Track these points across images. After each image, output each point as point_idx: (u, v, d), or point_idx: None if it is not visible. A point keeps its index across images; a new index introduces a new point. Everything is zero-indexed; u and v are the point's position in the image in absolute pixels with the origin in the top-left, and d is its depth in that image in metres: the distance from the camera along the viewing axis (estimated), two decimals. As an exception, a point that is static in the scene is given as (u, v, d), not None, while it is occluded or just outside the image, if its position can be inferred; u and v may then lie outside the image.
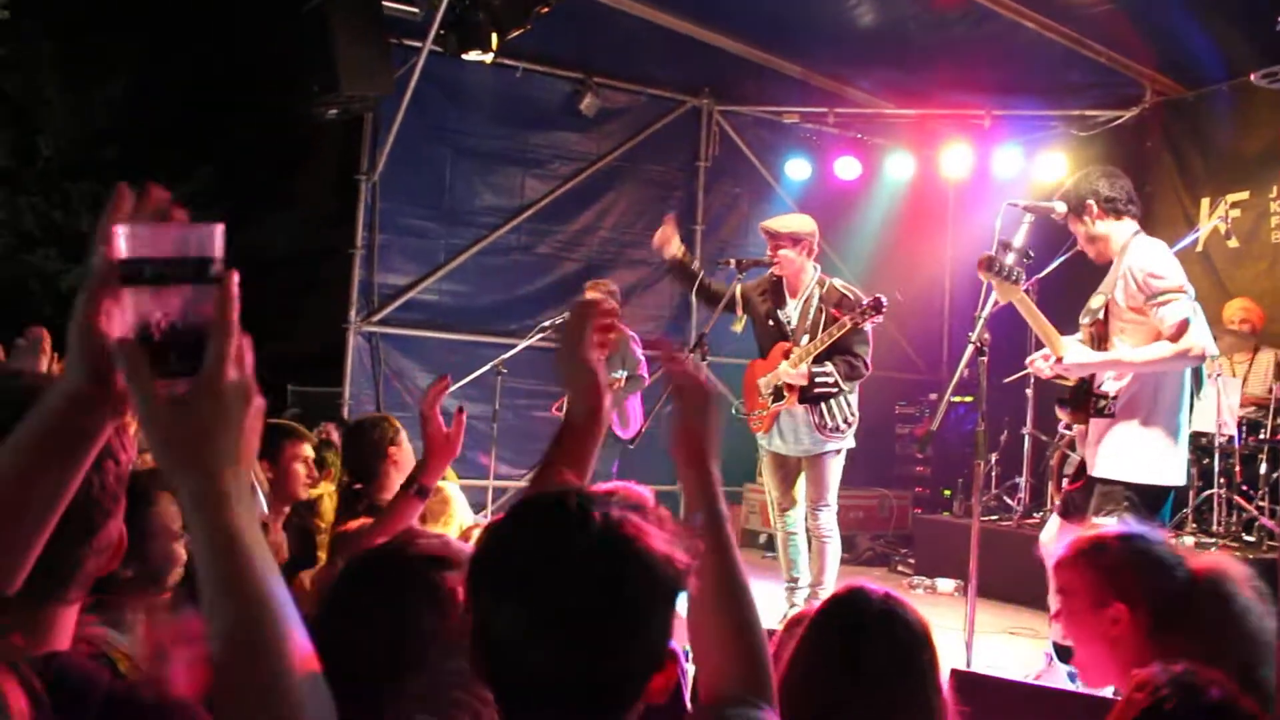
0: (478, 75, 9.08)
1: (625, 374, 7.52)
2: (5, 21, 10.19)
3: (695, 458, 1.74)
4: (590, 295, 7.57)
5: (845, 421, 5.81)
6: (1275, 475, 6.68)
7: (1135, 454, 4.24)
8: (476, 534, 3.83)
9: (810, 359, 5.66)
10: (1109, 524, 2.35)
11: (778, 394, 5.82)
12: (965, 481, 8.75)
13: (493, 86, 9.42)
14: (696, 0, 8.71)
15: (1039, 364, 4.52)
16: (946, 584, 7.63)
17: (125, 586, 2.11)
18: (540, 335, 8.10)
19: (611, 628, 1.18)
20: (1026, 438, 8.06)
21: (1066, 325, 5.08)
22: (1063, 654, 4.49)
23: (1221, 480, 6.53)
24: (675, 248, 6.11)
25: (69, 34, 16.25)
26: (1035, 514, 7.86)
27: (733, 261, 6.07)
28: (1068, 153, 8.99)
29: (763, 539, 9.43)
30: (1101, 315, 4.43)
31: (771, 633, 2.00)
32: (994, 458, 8.38)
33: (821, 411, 5.74)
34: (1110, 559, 2.25)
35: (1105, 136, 8.99)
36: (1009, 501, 8.24)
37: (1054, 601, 4.52)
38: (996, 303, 4.42)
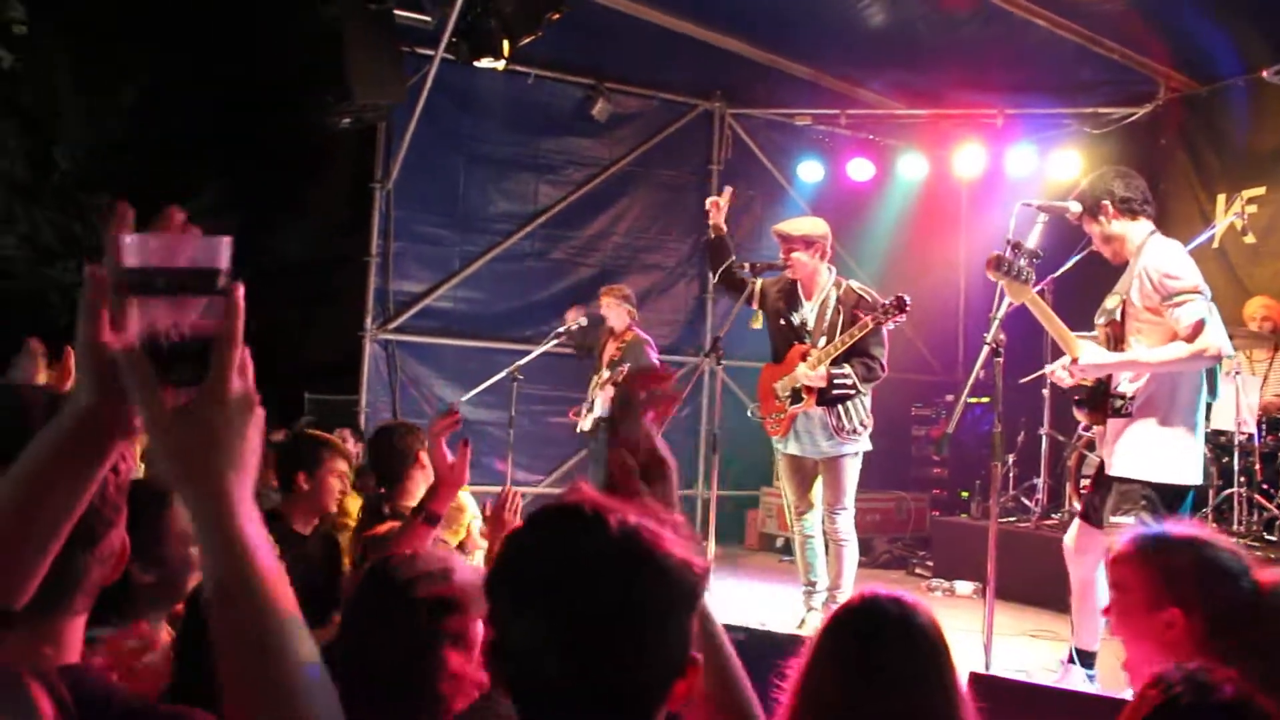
0: (490, 82, 9.11)
1: (611, 368, 7.51)
2: (21, 35, 10.27)
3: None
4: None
5: (861, 424, 5.80)
6: (1296, 473, 6.64)
7: (1154, 453, 4.24)
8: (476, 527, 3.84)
9: (829, 361, 5.65)
10: (1171, 524, 2.27)
11: (795, 396, 5.80)
12: (982, 483, 8.72)
13: (505, 93, 9.45)
14: (707, 4, 8.71)
15: (1059, 374, 4.52)
16: (965, 586, 7.60)
17: (144, 592, 2.13)
18: (555, 341, 8.11)
19: (631, 635, 1.18)
20: (1044, 438, 8.03)
21: (1082, 325, 5.07)
22: (1085, 659, 4.48)
23: (1242, 479, 6.48)
24: (721, 220, 6.14)
25: (84, 46, 16.36)
26: (1053, 515, 7.83)
27: (746, 265, 6.07)
28: (1081, 151, 8.96)
29: (779, 543, 9.42)
30: (1118, 316, 4.42)
31: (788, 636, 2.00)
32: (1011, 459, 8.35)
33: (839, 413, 5.73)
34: (1171, 561, 2.19)
35: (1119, 134, 8.95)
36: (1027, 503, 8.20)
37: (1077, 602, 4.54)
38: (1011, 303, 4.41)
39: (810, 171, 10.16)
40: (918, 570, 8.56)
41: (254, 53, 15.89)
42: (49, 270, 16.69)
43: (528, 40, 7.67)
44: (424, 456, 4.06)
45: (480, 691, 1.98)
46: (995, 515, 4.43)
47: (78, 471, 1.11)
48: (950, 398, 9.62)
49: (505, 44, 7.66)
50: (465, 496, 4.78)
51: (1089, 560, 4.49)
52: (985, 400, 9.00)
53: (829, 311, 5.81)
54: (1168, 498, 4.21)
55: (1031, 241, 4.49)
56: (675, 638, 1.22)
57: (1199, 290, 4.22)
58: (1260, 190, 7.94)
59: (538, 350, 8.16)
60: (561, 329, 7.95)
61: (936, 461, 9.62)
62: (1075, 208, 4.59)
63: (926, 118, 9.83)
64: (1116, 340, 4.41)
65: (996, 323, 4.40)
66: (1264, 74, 7.62)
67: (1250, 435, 6.52)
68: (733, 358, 7.34)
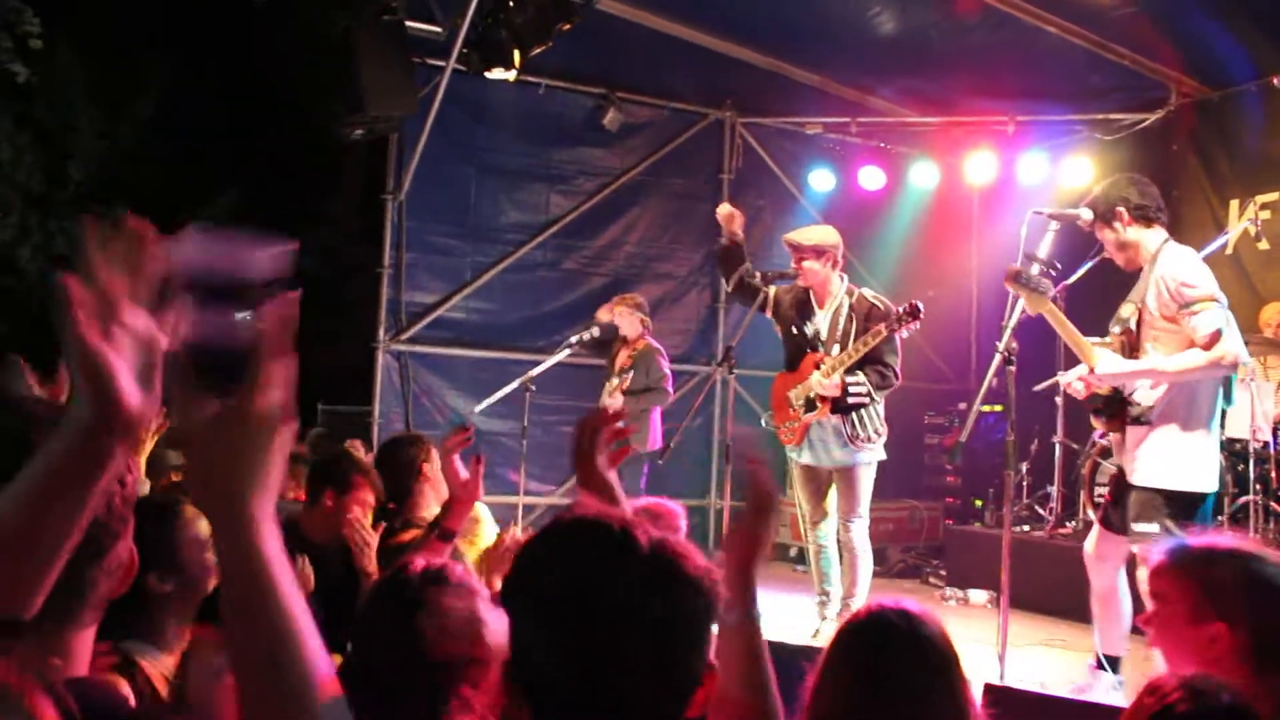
0: (501, 93, 9.14)
1: (631, 375, 7.52)
2: (36, 50, 10.34)
3: (745, 562, 1.77)
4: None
5: (876, 432, 5.80)
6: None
7: (1174, 461, 4.25)
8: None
9: (843, 369, 5.65)
10: (1217, 536, 2.22)
11: (810, 405, 5.80)
12: (996, 491, 8.69)
13: (516, 104, 9.47)
14: (717, 13, 8.72)
15: (1075, 385, 4.52)
16: (979, 595, 7.58)
17: (165, 601, 2.13)
18: (568, 351, 8.12)
19: (664, 650, 1.20)
20: (1057, 446, 8.00)
21: (1094, 332, 5.06)
22: (1113, 665, 4.47)
23: (1257, 486, 6.45)
24: (739, 227, 6.14)
25: (98, 60, 16.46)
26: (1067, 523, 7.80)
27: (758, 274, 6.07)
28: (1093, 157, 8.94)
29: (793, 552, 9.40)
30: (1133, 324, 4.42)
31: (802, 647, 2.01)
32: (1025, 467, 8.32)
33: (853, 422, 5.73)
34: (1217, 574, 2.14)
35: (1131, 140, 8.93)
36: (1041, 511, 8.17)
37: (1100, 609, 4.53)
38: (1024, 311, 4.41)
39: (821, 180, 10.16)
40: (931, 579, 8.53)
41: (266, 64, 15.96)
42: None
43: (539, 51, 7.70)
44: (428, 469, 4.07)
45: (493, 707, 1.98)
46: (1009, 524, 4.42)
47: (81, 481, 1.11)
48: (963, 406, 9.59)
49: (516, 54, 7.69)
50: (481, 508, 4.78)
51: (1110, 566, 4.50)
52: (998, 408, 8.97)
53: (841, 320, 5.81)
54: (1187, 505, 4.22)
55: (1044, 250, 4.49)
56: (702, 648, 1.23)
57: (1216, 298, 4.23)
58: (1273, 196, 7.91)
59: (550, 360, 8.17)
60: (584, 335, 7.94)
61: (950, 470, 9.59)
62: (1087, 215, 4.59)
63: (937, 125, 9.83)
64: (1131, 348, 4.41)
65: (1009, 331, 4.41)
66: (1275, 80, 7.60)
67: (1266, 443, 6.49)
68: (745, 367, 7.35)
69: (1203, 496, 4.29)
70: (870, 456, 5.82)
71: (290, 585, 1.01)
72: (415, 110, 8.30)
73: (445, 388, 9.42)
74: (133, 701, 1.49)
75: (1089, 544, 4.64)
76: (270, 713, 0.99)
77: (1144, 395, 4.37)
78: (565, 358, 8.19)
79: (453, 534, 3.06)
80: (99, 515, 1.30)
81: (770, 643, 3.79)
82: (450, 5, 8.23)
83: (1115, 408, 4.46)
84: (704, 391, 8.24)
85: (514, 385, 8.06)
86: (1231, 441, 6.45)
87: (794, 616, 6.45)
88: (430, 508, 4.04)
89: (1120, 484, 4.50)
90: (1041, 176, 9.19)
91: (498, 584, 3.66)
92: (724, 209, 6.25)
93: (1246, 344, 4.62)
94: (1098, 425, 4.67)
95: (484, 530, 5.08)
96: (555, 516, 1.31)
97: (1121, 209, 4.45)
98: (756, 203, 10.44)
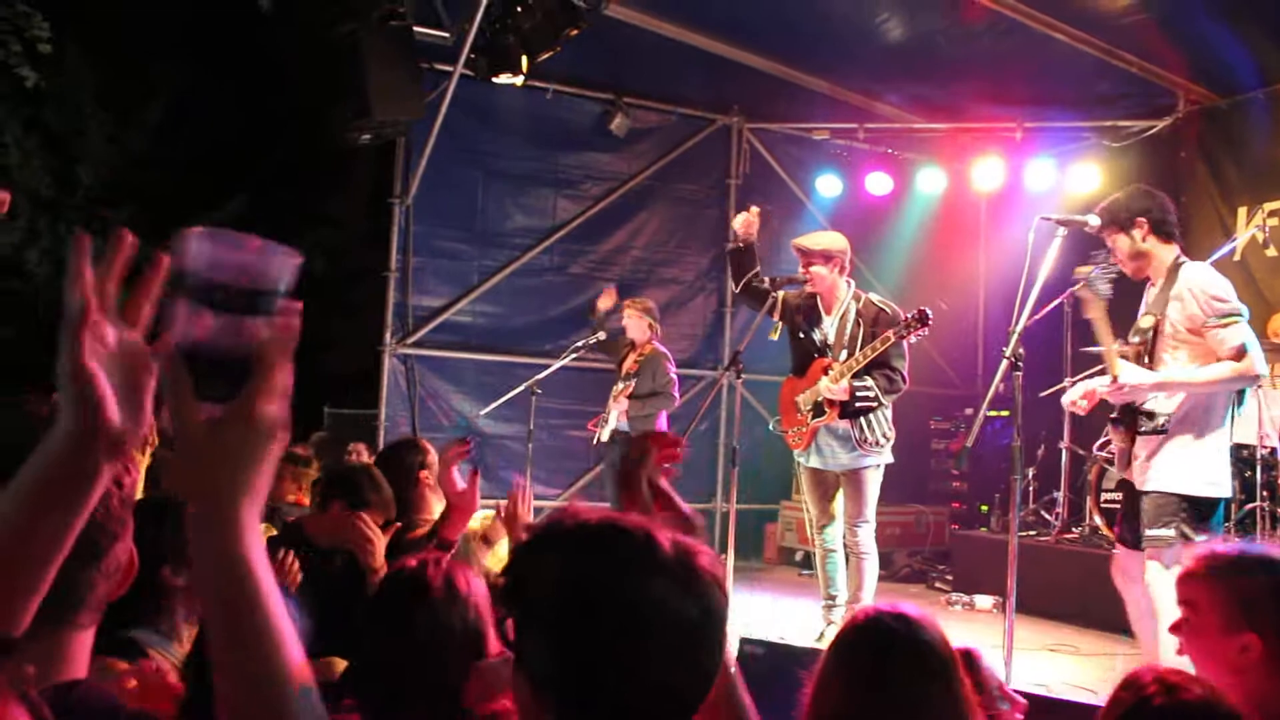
0: (508, 98, 9.16)
1: (637, 380, 7.52)
2: (46, 54, 10.37)
3: None
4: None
5: (884, 436, 5.81)
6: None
7: (1190, 466, 4.29)
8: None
9: (851, 374, 5.65)
10: (1247, 544, 2.19)
11: (818, 410, 5.81)
12: (1002, 497, 8.67)
13: (523, 108, 9.49)
14: (725, 19, 8.73)
15: (1079, 403, 4.59)
16: (984, 600, 7.57)
17: (177, 593, 2.16)
18: (574, 355, 8.13)
19: (694, 653, 1.21)
20: (1064, 452, 7.99)
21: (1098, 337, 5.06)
22: None
23: (1264, 493, 6.44)
24: (753, 234, 6.13)
25: (108, 65, 16.52)
26: (1073, 529, 7.79)
27: (766, 279, 6.08)
28: (1101, 164, 8.93)
29: (799, 556, 9.40)
30: (1150, 335, 4.43)
31: (807, 650, 2.01)
32: (1031, 472, 8.32)
33: (861, 426, 5.74)
34: (1248, 583, 2.11)
35: (1139, 147, 8.93)
36: (1047, 516, 8.17)
37: (1139, 626, 4.51)
38: (1030, 316, 4.43)
39: (828, 186, 10.16)
40: (937, 584, 8.53)
41: (274, 70, 16.01)
42: (72, 285, 16.79)
43: (546, 56, 7.71)
44: (426, 475, 4.08)
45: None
46: (1015, 529, 4.41)
47: (67, 496, 1.10)
48: (969, 411, 9.58)
49: (524, 60, 7.70)
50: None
51: (1138, 585, 4.51)
52: (1005, 414, 8.97)
53: (849, 325, 5.81)
54: (1203, 511, 4.27)
55: (1050, 255, 4.50)
56: (724, 646, 1.25)
57: (1241, 313, 4.30)
58: (1281, 203, 7.91)
59: (556, 364, 8.18)
60: (590, 339, 7.96)
61: (956, 475, 9.58)
62: (1094, 221, 4.60)
63: (945, 131, 9.83)
64: (1148, 359, 4.44)
65: (1015, 336, 4.41)
66: (1283, 86, 7.60)
67: (1273, 449, 6.48)
68: (752, 371, 7.34)
69: (1217, 502, 4.33)
70: (878, 460, 5.82)
71: (273, 592, 1.01)
72: (422, 115, 8.31)
73: (451, 391, 9.44)
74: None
75: (1115, 568, 4.66)
76: (249, 706, 0.99)
77: (1160, 404, 4.39)
78: (571, 361, 8.21)
79: (450, 544, 3.09)
80: (97, 518, 1.30)
81: (775, 645, 3.79)
82: (457, 10, 8.26)
83: (1129, 418, 4.47)
84: (710, 396, 8.26)
85: (520, 389, 8.08)
86: (1239, 448, 6.43)
87: (799, 620, 6.46)
88: (432, 511, 4.06)
89: (1131, 497, 4.53)
90: (1049, 183, 9.19)
91: (493, 559, 3.66)
92: (741, 220, 6.21)
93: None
94: (1115, 436, 4.66)
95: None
96: (554, 520, 1.29)
97: (1144, 219, 4.48)
98: (763, 208, 10.42)
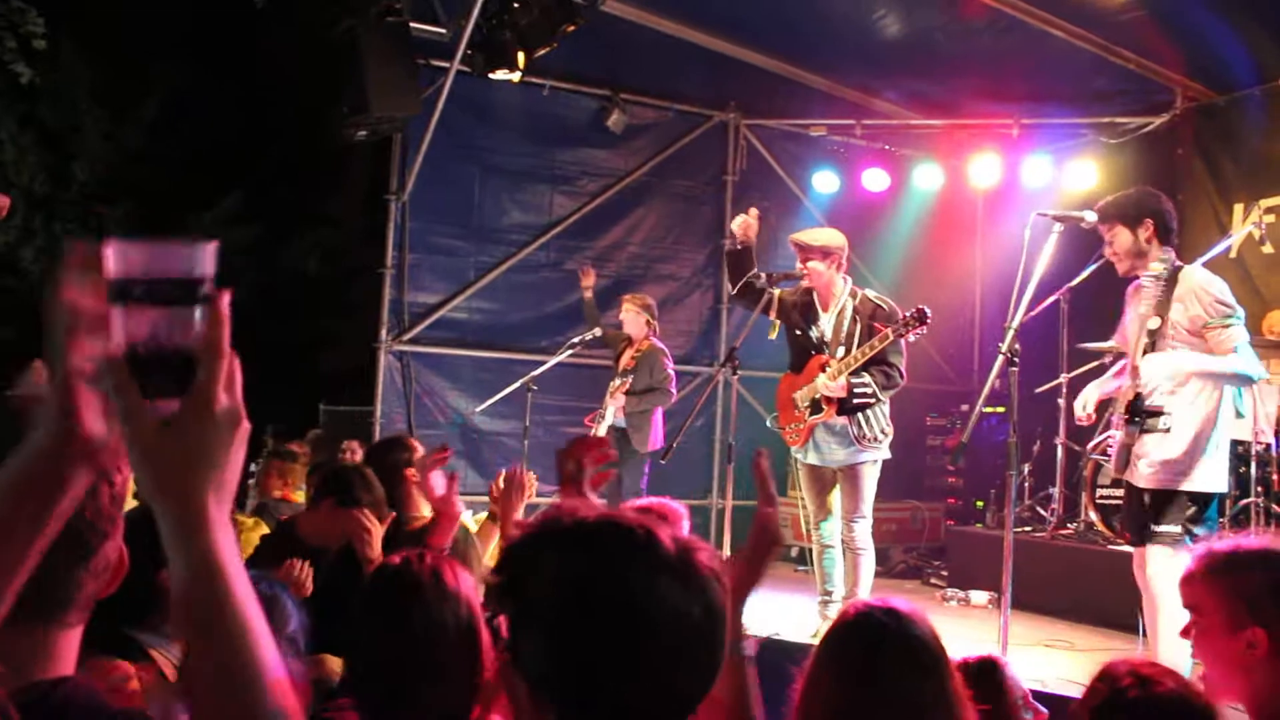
0: (505, 94, 9.15)
1: (634, 376, 7.53)
2: (40, 50, 10.35)
3: (739, 595, 1.83)
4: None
5: (882, 432, 5.81)
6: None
7: (1191, 463, 4.41)
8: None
9: (849, 372, 5.66)
10: (1243, 539, 2.20)
11: (815, 407, 5.81)
12: (998, 493, 8.69)
13: (520, 105, 9.48)
14: (722, 15, 8.72)
15: (1088, 411, 4.78)
16: (980, 596, 7.57)
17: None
18: (570, 351, 8.13)
19: (699, 649, 1.20)
20: (1059, 448, 7.99)
21: (1097, 333, 5.09)
22: None
23: (1259, 489, 6.45)
24: (752, 237, 6.12)
25: (103, 61, 16.49)
26: (1069, 525, 7.79)
27: (763, 275, 6.08)
28: (1097, 161, 8.94)
29: (794, 552, 9.40)
30: (1153, 336, 4.54)
31: (803, 646, 2.01)
32: (1027, 468, 8.32)
33: (859, 422, 5.74)
34: (1247, 579, 2.11)
35: (1135, 144, 8.93)
36: (1042, 512, 8.17)
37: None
38: (1027, 312, 4.45)
39: (825, 182, 10.16)
40: (933, 580, 8.53)
41: (270, 66, 15.99)
42: (67, 281, 16.75)
43: (543, 52, 7.71)
44: (411, 472, 4.09)
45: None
46: (1010, 525, 4.42)
47: (39, 503, 1.07)
48: (965, 407, 9.58)
49: (520, 56, 7.70)
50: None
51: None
52: (1000, 410, 8.95)
53: (846, 322, 5.82)
54: (1203, 505, 4.41)
55: (1047, 251, 4.52)
56: (723, 648, 1.24)
57: (1240, 315, 4.45)
58: (1278, 199, 7.90)
59: (552, 360, 8.19)
60: (586, 336, 7.97)
61: (951, 471, 9.57)
62: (1091, 217, 4.64)
63: (942, 128, 9.83)
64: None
65: (1011, 332, 4.42)
66: (1280, 83, 7.61)
67: (1268, 445, 6.49)
68: (748, 368, 7.36)
69: (1213, 496, 4.48)
70: (875, 456, 5.83)
71: (246, 590, 0.98)
72: (419, 111, 8.31)
73: (447, 388, 9.43)
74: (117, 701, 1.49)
75: (1136, 568, 4.72)
76: (221, 709, 0.97)
77: (1165, 404, 4.48)
78: (567, 358, 8.21)
79: (440, 552, 3.08)
80: (86, 516, 1.29)
81: (771, 641, 3.79)
82: (454, 6, 8.24)
83: (1138, 417, 4.55)
84: (706, 392, 8.25)
85: (516, 385, 8.08)
86: (1234, 444, 6.44)
87: (795, 616, 6.46)
88: (420, 508, 4.05)
89: (1132, 495, 4.63)
90: (1046, 180, 9.19)
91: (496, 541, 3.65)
92: (740, 222, 6.19)
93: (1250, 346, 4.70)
94: (1123, 433, 4.68)
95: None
96: (550, 517, 1.27)
97: (1151, 220, 4.57)
98: (760, 204, 10.42)
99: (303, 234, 18.35)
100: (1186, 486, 4.40)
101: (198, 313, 0.97)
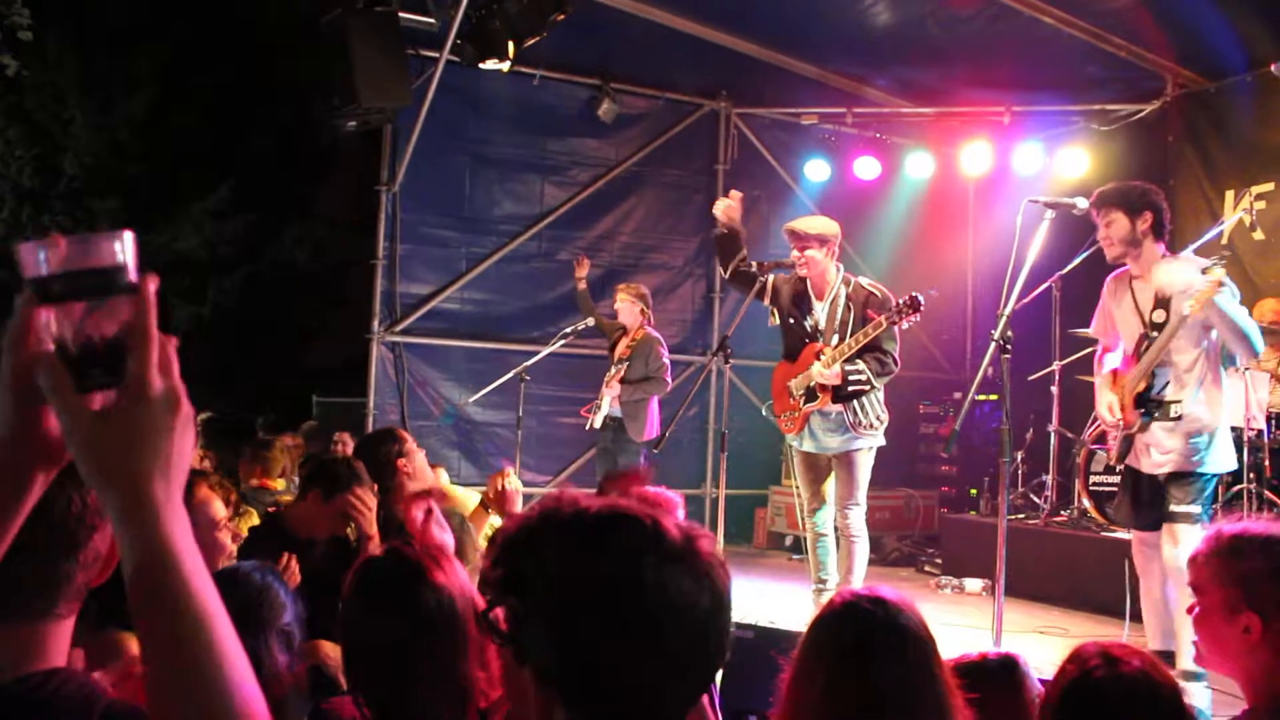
0: (495, 84, 9.12)
1: (629, 365, 7.52)
2: (27, 43, 10.28)
3: None
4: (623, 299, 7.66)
5: (878, 419, 5.82)
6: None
7: (1208, 447, 4.57)
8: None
9: (844, 359, 5.66)
10: (1251, 523, 2.21)
11: (810, 395, 5.81)
12: (991, 480, 8.71)
13: (510, 95, 9.45)
14: (713, 3, 8.70)
15: (1119, 418, 4.74)
16: (974, 584, 7.60)
17: None
18: (563, 341, 8.12)
19: (705, 636, 1.20)
20: (1052, 435, 8.01)
21: (1087, 320, 5.10)
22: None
23: (1251, 475, 6.47)
24: (737, 218, 6.09)
25: (91, 53, 16.41)
26: (1062, 512, 7.82)
27: (754, 264, 6.07)
28: (1089, 148, 8.94)
29: (788, 541, 9.42)
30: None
31: (798, 634, 2.01)
32: (1020, 456, 8.34)
33: (855, 409, 5.74)
34: (1249, 564, 2.12)
35: (1126, 131, 8.94)
36: (1036, 500, 8.19)
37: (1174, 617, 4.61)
38: (1019, 300, 4.45)
39: (817, 170, 10.15)
40: (927, 568, 8.55)
41: (259, 56, 15.93)
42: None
43: (533, 42, 7.68)
44: (404, 464, 4.08)
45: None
46: (1004, 512, 4.42)
47: (3, 498, 1.05)
48: (958, 395, 9.61)
49: (510, 46, 7.67)
50: (468, 494, 4.78)
51: (1158, 566, 4.66)
52: (993, 397, 9.00)
53: (840, 310, 5.82)
54: (1215, 485, 4.67)
55: (1039, 238, 4.52)
56: (729, 633, 1.24)
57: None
58: (1269, 186, 7.92)
59: (545, 351, 8.18)
60: (578, 325, 7.97)
61: (945, 459, 9.60)
62: (1083, 204, 4.67)
63: (933, 116, 9.82)
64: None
65: (1004, 319, 4.42)
66: (1272, 68, 7.60)
67: (1260, 431, 6.51)
68: (740, 356, 7.34)
69: (1216, 476, 4.69)
70: (870, 443, 5.83)
71: (201, 577, 0.96)
72: (409, 101, 8.26)
73: (440, 379, 9.42)
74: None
75: (1136, 553, 4.83)
76: (175, 708, 0.94)
77: (1174, 393, 4.58)
78: (560, 348, 8.20)
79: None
80: (73, 509, 1.29)
81: (766, 630, 3.79)
82: (444, -4, 8.21)
83: (1150, 406, 4.63)
84: (699, 381, 8.25)
85: (509, 376, 8.07)
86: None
87: (790, 604, 6.47)
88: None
89: (1140, 482, 4.73)
90: (1037, 167, 9.20)
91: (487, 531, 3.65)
92: (722, 205, 6.18)
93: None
94: (1137, 425, 4.71)
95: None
96: (549, 508, 1.25)
97: (1151, 214, 4.64)
98: (752, 193, 10.38)
99: (294, 225, 18.30)
100: (1203, 469, 4.55)
101: (124, 301, 0.96)
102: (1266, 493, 6.51)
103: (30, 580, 1.34)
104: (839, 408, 5.76)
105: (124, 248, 0.97)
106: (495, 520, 4.62)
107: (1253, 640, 2.06)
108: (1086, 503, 7.40)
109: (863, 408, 5.76)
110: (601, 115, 9.65)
